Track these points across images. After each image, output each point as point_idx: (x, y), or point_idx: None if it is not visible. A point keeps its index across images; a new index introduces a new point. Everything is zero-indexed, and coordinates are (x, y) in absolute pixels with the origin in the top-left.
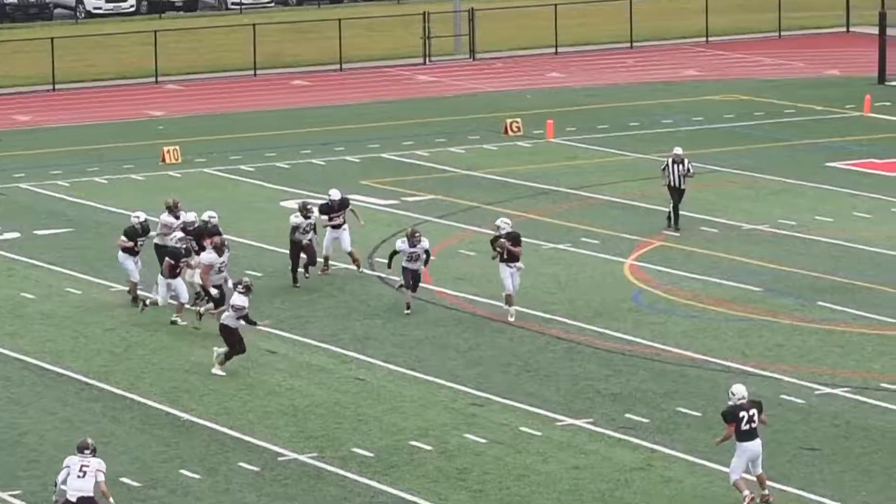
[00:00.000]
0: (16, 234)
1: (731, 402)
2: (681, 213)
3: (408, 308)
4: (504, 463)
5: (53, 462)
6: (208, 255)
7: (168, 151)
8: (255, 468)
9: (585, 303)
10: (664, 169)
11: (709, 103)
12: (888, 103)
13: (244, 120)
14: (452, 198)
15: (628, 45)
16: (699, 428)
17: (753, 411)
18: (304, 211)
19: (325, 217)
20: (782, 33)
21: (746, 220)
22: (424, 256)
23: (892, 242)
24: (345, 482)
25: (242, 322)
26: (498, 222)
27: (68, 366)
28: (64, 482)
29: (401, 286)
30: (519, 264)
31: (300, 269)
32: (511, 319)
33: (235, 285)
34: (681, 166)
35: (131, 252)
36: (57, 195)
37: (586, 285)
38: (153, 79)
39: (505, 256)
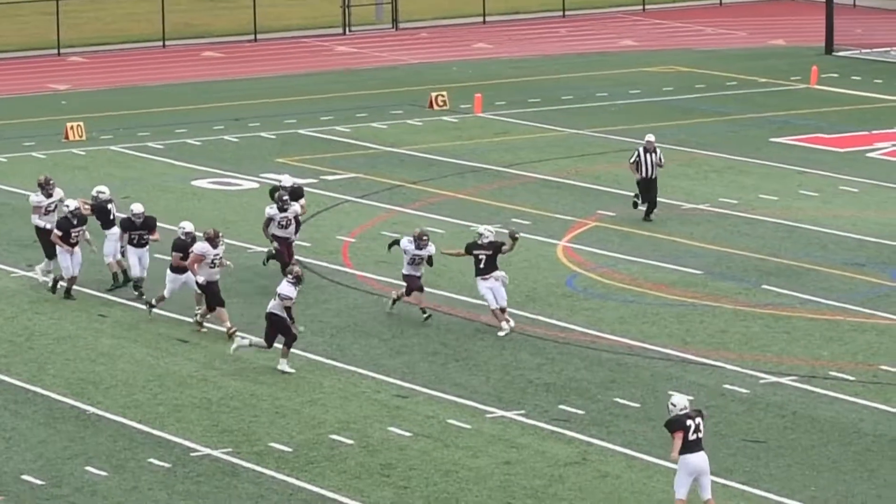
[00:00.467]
0: None
1: (673, 414)
2: (617, 192)
3: (424, 312)
4: (431, 458)
5: None
6: (201, 245)
7: (72, 127)
8: (166, 464)
9: (516, 287)
10: (636, 162)
11: (646, 75)
12: (835, 75)
13: (152, 94)
14: (374, 176)
15: (560, 13)
16: (637, 420)
17: (699, 420)
18: (281, 202)
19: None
20: (724, 1)
21: (687, 199)
22: (427, 261)
23: (841, 222)
24: (261, 479)
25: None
26: (481, 230)
27: None
28: None
29: (397, 299)
30: (498, 273)
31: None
32: (501, 335)
33: (285, 274)
34: (653, 155)
35: (67, 244)
36: None
37: (517, 269)
38: (55, 50)
39: (481, 266)
